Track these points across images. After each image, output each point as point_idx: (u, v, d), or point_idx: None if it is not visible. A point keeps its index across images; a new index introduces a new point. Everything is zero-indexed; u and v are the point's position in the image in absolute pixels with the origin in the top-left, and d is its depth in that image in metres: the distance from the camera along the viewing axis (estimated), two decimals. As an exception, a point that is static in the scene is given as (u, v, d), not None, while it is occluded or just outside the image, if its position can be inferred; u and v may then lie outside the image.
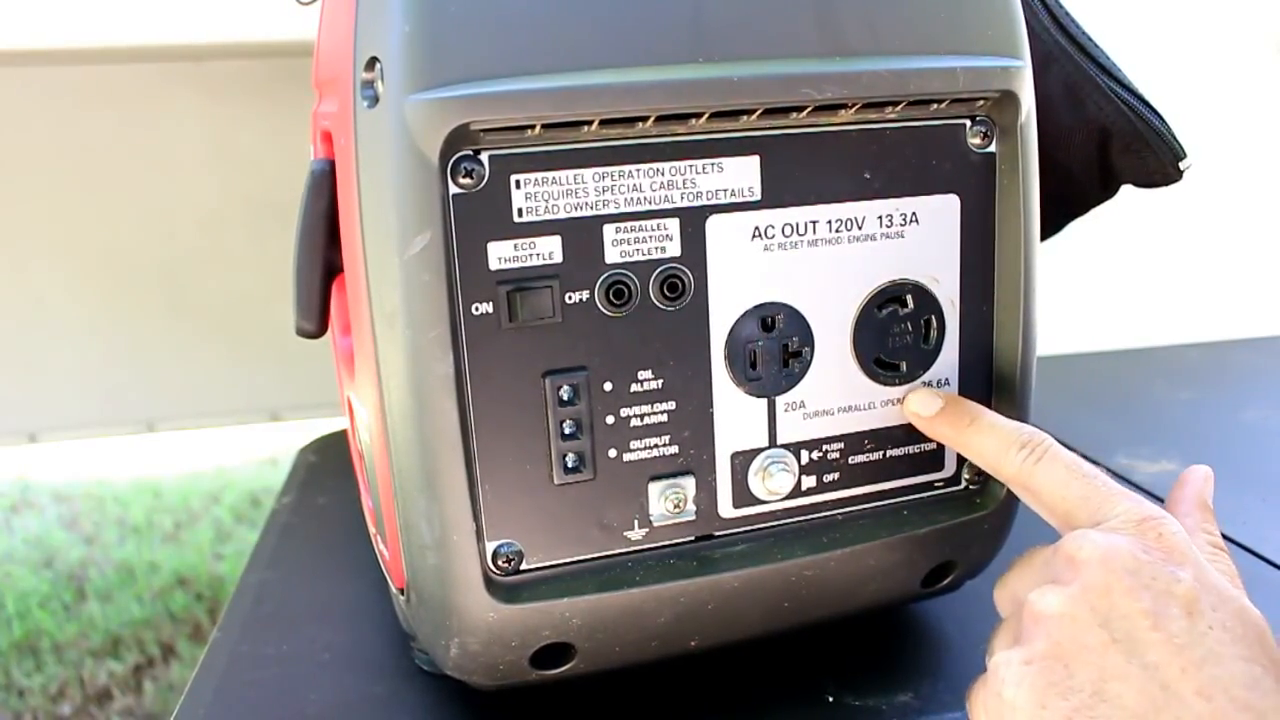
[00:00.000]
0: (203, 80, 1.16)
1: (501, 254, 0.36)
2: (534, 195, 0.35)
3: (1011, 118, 0.40)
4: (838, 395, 0.41)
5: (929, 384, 0.42)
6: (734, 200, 0.38)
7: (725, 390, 0.39)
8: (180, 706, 0.45)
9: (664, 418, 0.39)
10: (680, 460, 0.39)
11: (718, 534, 0.41)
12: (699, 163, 0.37)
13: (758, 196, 0.38)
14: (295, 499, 0.68)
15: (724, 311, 0.39)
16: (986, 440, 0.39)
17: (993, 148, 0.41)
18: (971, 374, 0.43)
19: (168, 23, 0.81)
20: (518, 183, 0.35)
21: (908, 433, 0.42)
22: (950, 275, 0.41)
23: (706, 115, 0.36)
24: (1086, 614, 0.31)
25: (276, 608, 0.53)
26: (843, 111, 0.37)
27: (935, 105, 0.39)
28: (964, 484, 0.44)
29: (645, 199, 0.37)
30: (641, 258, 0.37)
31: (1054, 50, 0.54)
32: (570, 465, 0.38)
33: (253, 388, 1.32)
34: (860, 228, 0.40)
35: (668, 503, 0.39)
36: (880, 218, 0.40)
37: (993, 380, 0.43)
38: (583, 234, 0.36)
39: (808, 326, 0.40)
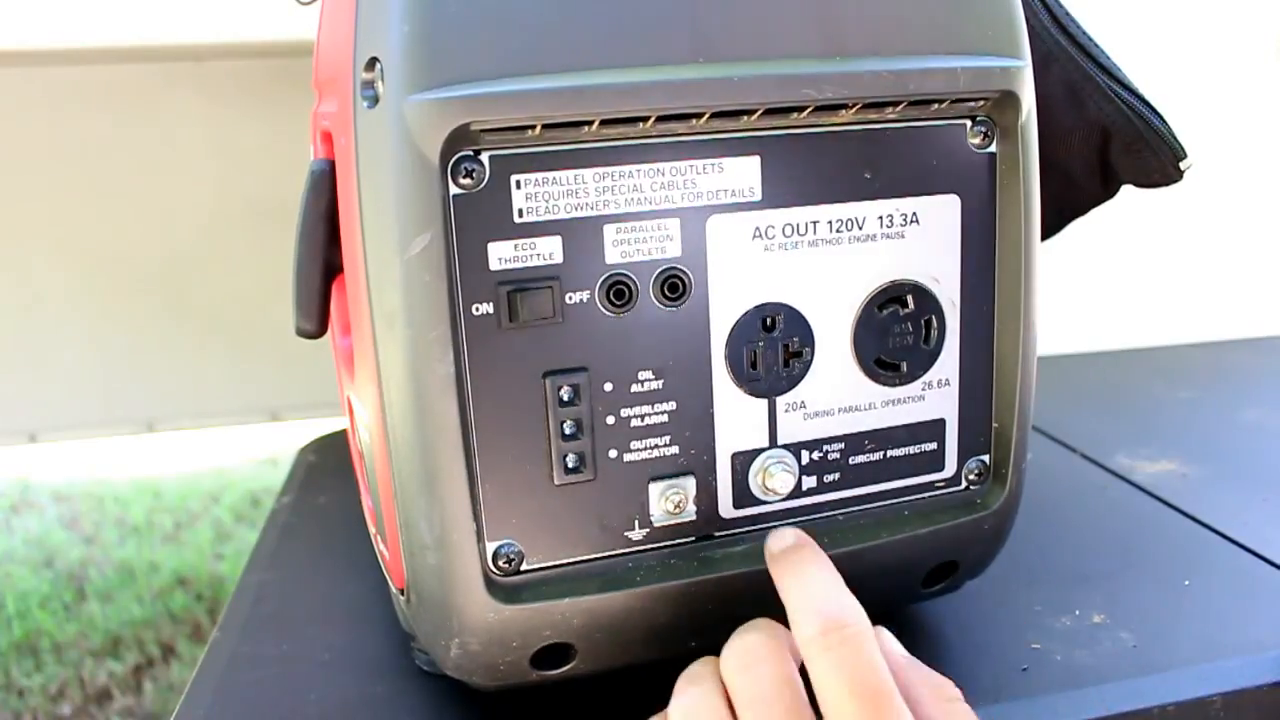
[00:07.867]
0: (203, 80, 1.16)
1: (502, 254, 0.36)
2: (534, 195, 0.35)
3: (1012, 118, 0.40)
4: (838, 395, 0.41)
5: (929, 384, 0.42)
6: (734, 200, 0.38)
7: (726, 390, 0.39)
8: (180, 706, 0.45)
9: (664, 418, 0.39)
10: (681, 460, 0.39)
11: (718, 534, 0.41)
12: (699, 163, 0.37)
13: (758, 197, 0.38)
14: (295, 499, 0.68)
15: (724, 312, 0.39)
16: (796, 596, 0.34)
17: (993, 148, 0.41)
18: (972, 374, 0.43)
19: (168, 23, 0.81)
20: (518, 183, 0.35)
21: (908, 433, 0.42)
22: (951, 275, 0.41)
23: (707, 115, 0.36)
24: None
25: (276, 608, 0.53)
26: (843, 112, 0.37)
27: (936, 105, 0.39)
28: (965, 485, 0.44)
29: (646, 199, 0.37)
30: (642, 258, 0.37)
31: (1054, 50, 0.54)
32: (571, 465, 0.38)
33: (253, 388, 1.32)
34: (860, 228, 0.40)
35: (668, 503, 0.39)
36: (881, 218, 0.40)
37: (993, 380, 0.43)
38: (583, 234, 0.36)
39: (808, 326, 0.40)
